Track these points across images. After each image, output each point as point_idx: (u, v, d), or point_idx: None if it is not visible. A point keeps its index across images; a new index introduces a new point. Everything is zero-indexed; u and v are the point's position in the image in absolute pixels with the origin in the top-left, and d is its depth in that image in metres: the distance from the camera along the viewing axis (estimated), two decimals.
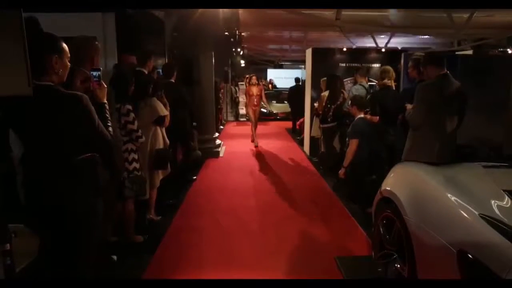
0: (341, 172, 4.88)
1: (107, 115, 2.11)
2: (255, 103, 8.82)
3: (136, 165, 3.38)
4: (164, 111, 3.83)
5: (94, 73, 2.19)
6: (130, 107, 3.30)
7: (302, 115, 8.66)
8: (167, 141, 3.99)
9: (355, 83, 6.44)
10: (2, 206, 1.86)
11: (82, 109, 1.86)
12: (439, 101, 3.13)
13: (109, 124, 2.08)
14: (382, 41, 10.07)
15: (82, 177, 1.95)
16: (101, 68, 2.26)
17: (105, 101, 2.17)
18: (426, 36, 9.91)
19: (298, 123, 9.78)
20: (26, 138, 1.89)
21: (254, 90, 8.80)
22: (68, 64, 1.96)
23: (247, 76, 10.28)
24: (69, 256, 1.99)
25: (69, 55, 1.96)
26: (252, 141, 9.06)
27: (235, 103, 14.90)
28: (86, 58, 2.43)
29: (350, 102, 5.08)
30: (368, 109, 4.72)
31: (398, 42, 10.69)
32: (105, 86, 2.22)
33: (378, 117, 4.29)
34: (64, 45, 1.92)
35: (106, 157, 2.41)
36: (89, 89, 2.15)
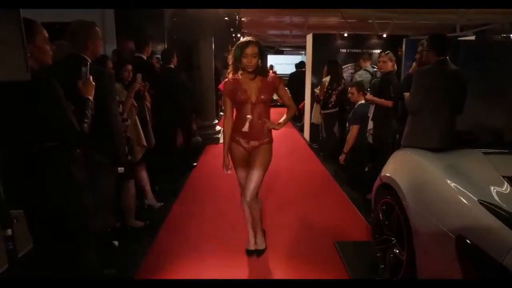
0: (342, 157, 4.90)
1: (87, 112, 2.05)
2: (260, 128, 2.91)
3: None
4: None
5: (82, 68, 2.15)
6: None
7: (303, 101, 8.60)
8: None
9: (359, 68, 6.40)
10: (3, 192, 1.87)
11: (44, 94, 1.83)
12: (437, 86, 3.12)
13: (86, 120, 2.02)
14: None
15: (46, 166, 1.91)
16: (88, 63, 2.21)
17: (89, 96, 2.12)
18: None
19: (300, 106, 9.31)
20: None
21: (253, 88, 2.85)
22: (46, 47, 1.92)
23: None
24: (61, 247, 2.01)
25: (46, 38, 1.92)
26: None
27: None
28: (84, 44, 2.39)
29: (350, 88, 5.06)
30: (366, 93, 4.69)
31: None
32: (92, 82, 2.17)
33: (391, 102, 4.12)
34: (40, 28, 1.89)
35: (107, 145, 2.40)
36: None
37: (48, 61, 1.96)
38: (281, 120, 2.97)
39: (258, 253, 3.20)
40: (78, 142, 2.00)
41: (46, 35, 1.94)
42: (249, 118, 2.87)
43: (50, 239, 2.00)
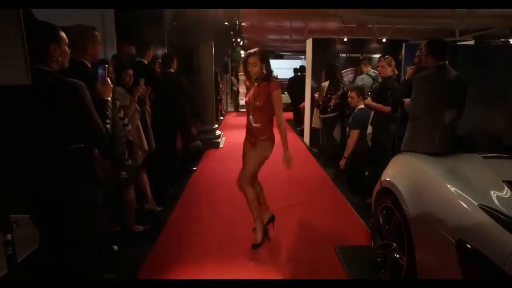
0: (342, 162, 4.89)
1: (107, 113, 2.06)
2: (256, 129, 3.31)
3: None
4: None
5: (100, 71, 2.16)
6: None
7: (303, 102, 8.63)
8: None
9: (360, 72, 6.41)
10: (4, 196, 1.86)
11: (76, 97, 1.83)
12: (437, 91, 3.12)
13: (108, 121, 2.03)
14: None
15: (72, 167, 1.92)
16: (106, 66, 2.22)
17: (109, 98, 2.13)
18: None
19: (301, 106, 9.24)
20: (18, 122, 1.86)
21: (252, 93, 3.26)
22: (67, 51, 1.95)
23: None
24: (67, 248, 1.99)
25: (67, 41, 1.95)
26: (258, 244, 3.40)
27: (235, 93, 14.87)
28: (84, 48, 2.40)
29: (350, 93, 5.06)
30: (366, 97, 4.69)
31: None
32: (110, 83, 2.18)
33: (389, 107, 4.12)
34: (62, 32, 1.91)
35: (105, 149, 2.41)
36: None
37: (66, 64, 1.97)
38: (284, 148, 3.30)
39: (254, 246, 3.32)
40: (105, 144, 2.02)
41: (66, 37, 1.95)
42: (251, 119, 3.28)
43: (63, 236, 1.98)
